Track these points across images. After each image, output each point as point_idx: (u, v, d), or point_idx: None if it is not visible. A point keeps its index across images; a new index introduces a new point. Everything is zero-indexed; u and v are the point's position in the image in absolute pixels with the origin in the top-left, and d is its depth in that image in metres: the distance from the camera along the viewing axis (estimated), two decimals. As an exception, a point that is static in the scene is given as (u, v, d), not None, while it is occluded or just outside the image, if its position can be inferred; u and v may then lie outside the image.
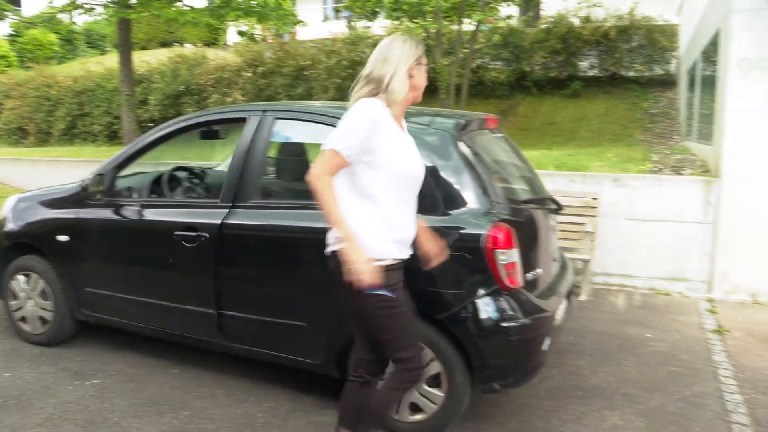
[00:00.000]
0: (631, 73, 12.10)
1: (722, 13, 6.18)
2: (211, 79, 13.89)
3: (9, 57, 21.80)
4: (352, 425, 2.82)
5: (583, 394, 3.90)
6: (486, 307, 3.05)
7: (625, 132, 10.18)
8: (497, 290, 3.07)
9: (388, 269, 2.56)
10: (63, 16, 13.24)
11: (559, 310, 3.55)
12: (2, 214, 4.74)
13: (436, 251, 2.90)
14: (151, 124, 12.01)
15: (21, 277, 4.55)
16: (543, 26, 12.56)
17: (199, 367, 4.20)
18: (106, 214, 4.16)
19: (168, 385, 3.96)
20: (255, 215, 3.64)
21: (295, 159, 4.24)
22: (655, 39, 11.73)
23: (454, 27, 10.85)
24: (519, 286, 3.13)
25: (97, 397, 3.79)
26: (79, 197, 4.28)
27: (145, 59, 15.55)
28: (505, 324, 3.06)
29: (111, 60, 15.88)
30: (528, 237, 3.40)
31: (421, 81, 2.67)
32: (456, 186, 3.17)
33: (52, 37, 23.48)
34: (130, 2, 10.76)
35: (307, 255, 3.45)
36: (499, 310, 3.07)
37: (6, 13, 12.78)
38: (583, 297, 5.84)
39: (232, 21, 12.32)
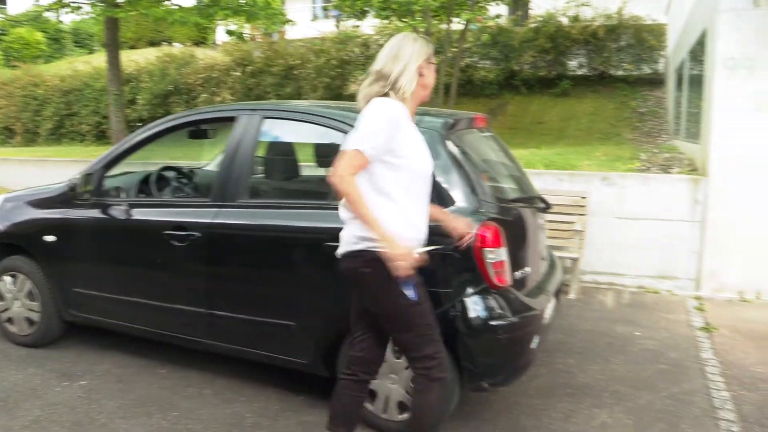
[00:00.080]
0: (620, 72, 12.16)
1: (708, 13, 6.22)
2: (200, 79, 13.85)
3: (-6, 56, 21.69)
4: (343, 424, 2.81)
5: (572, 392, 3.91)
6: (474, 306, 3.05)
7: (613, 131, 10.22)
8: (486, 289, 3.07)
9: None
10: (50, 15, 13.17)
11: (548, 308, 3.56)
12: (-12, 214, 4.69)
13: (464, 225, 2.90)
14: (140, 124, 11.97)
15: (7, 278, 4.52)
16: (532, 25, 12.59)
17: (188, 367, 4.18)
18: (94, 214, 4.13)
19: (156, 386, 3.94)
20: (245, 214, 3.63)
21: (284, 158, 4.24)
22: (644, 38, 11.79)
23: (443, 26, 10.86)
24: (507, 285, 3.13)
25: (85, 398, 3.77)
26: (67, 197, 4.25)
27: (134, 58, 15.48)
28: (493, 322, 3.07)
29: (99, 59, 15.79)
30: (516, 236, 3.41)
31: (431, 80, 2.70)
32: (444, 185, 3.16)
33: (39, 36, 23.31)
34: (118, 1, 10.69)
35: (296, 254, 3.45)
36: (488, 308, 3.07)
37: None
38: (572, 295, 5.86)
39: (220, 20, 12.30)
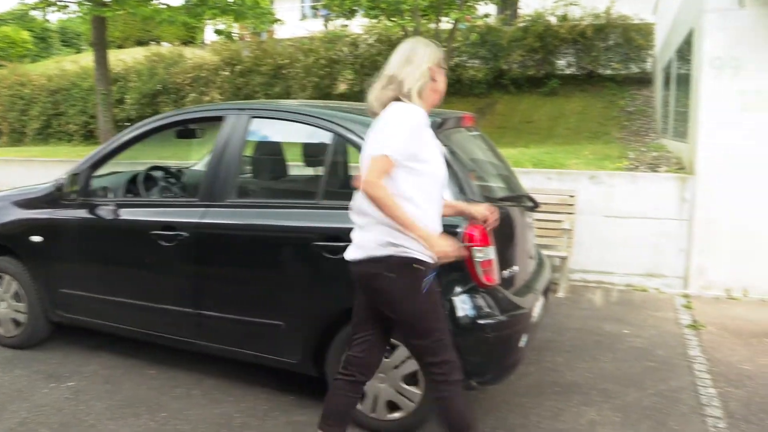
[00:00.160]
0: (608, 72, 12.20)
1: (695, 13, 6.26)
2: (189, 78, 13.78)
3: (-21, 55, 21.49)
4: (336, 424, 2.81)
5: (560, 390, 3.92)
6: (462, 305, 3.06)
7: (601, 130, 10.26)
8: (474, 287, 3.08)
9: (426, 269, 2.57)
10: (36, 14, 13.06)
11: (536, 307, 3.57)
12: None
13: (484, 209, 2.92)
14: (128, 124, 11.90)
15: (-7, 279, 4.49)
16: (520, 25, 12.61)
17: (176, 367, 4.17)
18: (81, 214, 4.11)
19: (144, 386, 3.92)
20: (233, 214, 3.62)
21: (272, 158, 4.23)
22: (632, 37, 11.83)
23: (432, 25, 10.86)
24: (496, 284, 3.14)
25: (72, 399, 3.75)
26: (54, 197, 4.22)
27: (122, 58, 15.37)
28: (481, 321, 3.07)
29: (86, 58, 15.67)
30: (505, 234, 3.41)
31: (443, 84, 2.69)
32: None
33: (25, 35, 23.16)
34: (105, 0, 10.63)
35: (285, 254, 3.44)
36: (476, 307, 3.08)
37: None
38: (560, 294, 5.89)
39: (209, 19, 12.25)
